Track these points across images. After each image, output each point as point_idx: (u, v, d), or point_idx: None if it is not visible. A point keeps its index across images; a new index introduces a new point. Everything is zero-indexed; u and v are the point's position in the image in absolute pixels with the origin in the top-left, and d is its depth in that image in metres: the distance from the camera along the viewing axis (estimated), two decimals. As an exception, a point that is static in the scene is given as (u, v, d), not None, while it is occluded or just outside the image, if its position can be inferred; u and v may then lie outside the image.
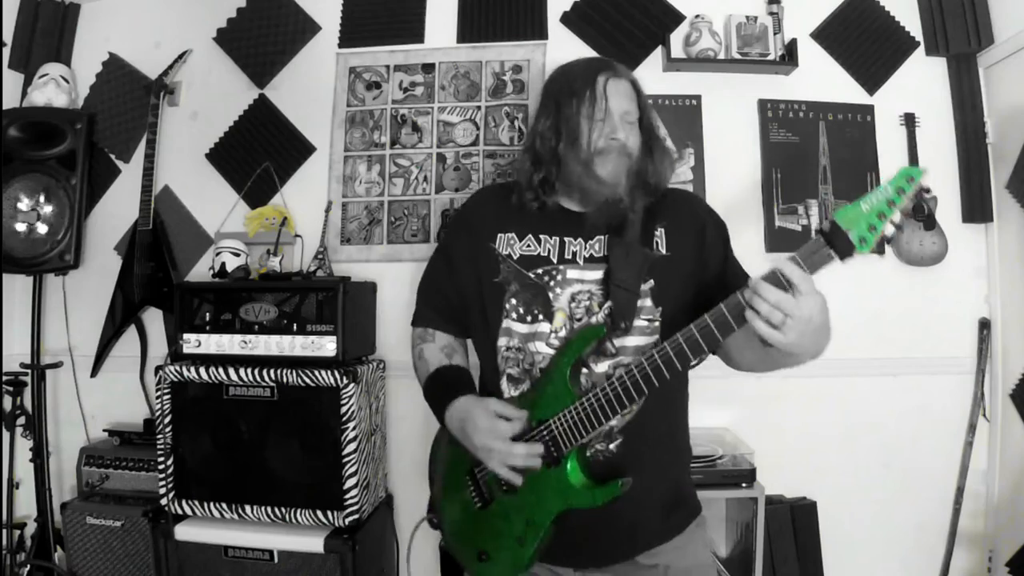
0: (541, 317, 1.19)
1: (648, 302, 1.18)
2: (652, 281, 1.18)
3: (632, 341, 1.17)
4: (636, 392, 1.07)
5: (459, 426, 1.18)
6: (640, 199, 1.20)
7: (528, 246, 1.23)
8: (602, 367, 1.17)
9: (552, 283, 1.20)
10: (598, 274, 1.19)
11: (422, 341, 1.34)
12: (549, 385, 1.15)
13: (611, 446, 1.17)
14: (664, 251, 1.21)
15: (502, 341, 1.22)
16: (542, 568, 1.22)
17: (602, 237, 1.21)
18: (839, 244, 0.93)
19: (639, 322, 1.17)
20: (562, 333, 1.18)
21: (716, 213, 1.32)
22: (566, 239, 1.22)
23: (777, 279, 0.94)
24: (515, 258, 1.23)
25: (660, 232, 1.22)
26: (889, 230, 0.93)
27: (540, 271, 1.21)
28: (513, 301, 1.21)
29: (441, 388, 1.25)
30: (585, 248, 1.21)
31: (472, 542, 1.23)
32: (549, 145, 1.20)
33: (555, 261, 1.21)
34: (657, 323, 1.18)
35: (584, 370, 1.17)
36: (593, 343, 1.14)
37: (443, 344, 1.33)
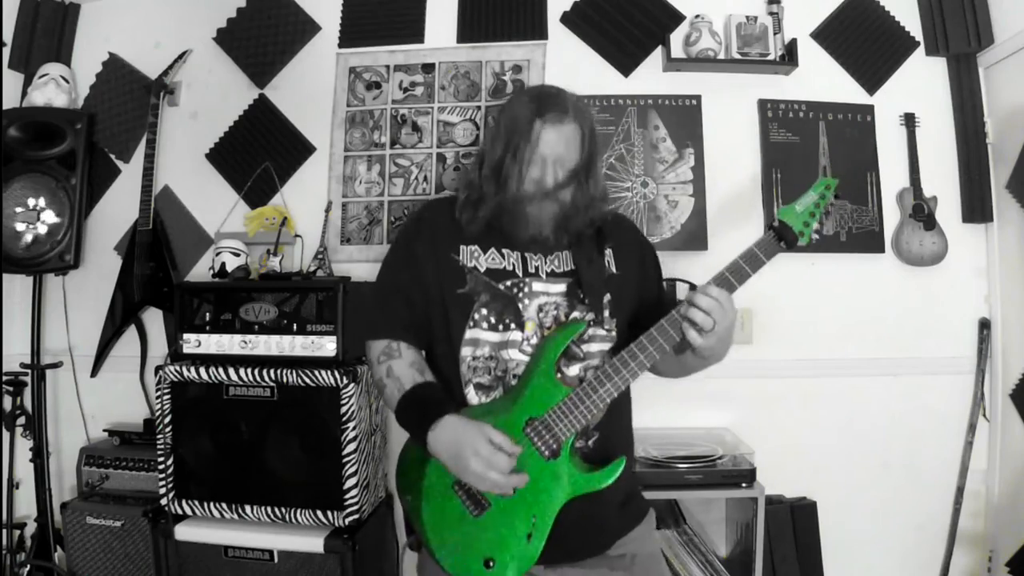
0: (513, 326, 1.23)
1: (607, 314, 1.26)
2: (609, 295, 1.27)
3: (596, 347, 1.26)
4: (629, 373, 1.16)
5: (450, 448, 1.15)
6: (564, 238, 1.27)
7: (493, 259, 1.27)
8: (574, 370, 1.23)
9: (520, 295, 1.24)
10: (562, 287, 1.26)
11: (388, 357, 1.28)
12: (534, 382, 1.18)
13: (589, 443, 1.23)
14: (615, 270, 1.30)
15: (466, 351, 1.23)
16: None
17: (561, 253, 1.28)
18: (787, 237, 1.16)
19: (600, 331, 1.26)
20: (534, 340, 1.22)
21: (648, 240, 1.47)
22: (527, 254, 1.27)
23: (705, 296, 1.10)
24: (482, 270, 1.25)
25: (609, 252, 1.31)
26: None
27: (509, 283, 1.25)
28: (484, 311, 1.23)
29: (421, 407, 1.21)
30: (546, 263, 1.27)
31: (475, 553, 1.19)
32: (485, 180, 1.26)
33: (520, 274, 1.25)
34: (614, 332, 1.27)
35: (558, 375, 1.20)
36: (575, 336, 1.21)
37: (411, 360, 1.27)
